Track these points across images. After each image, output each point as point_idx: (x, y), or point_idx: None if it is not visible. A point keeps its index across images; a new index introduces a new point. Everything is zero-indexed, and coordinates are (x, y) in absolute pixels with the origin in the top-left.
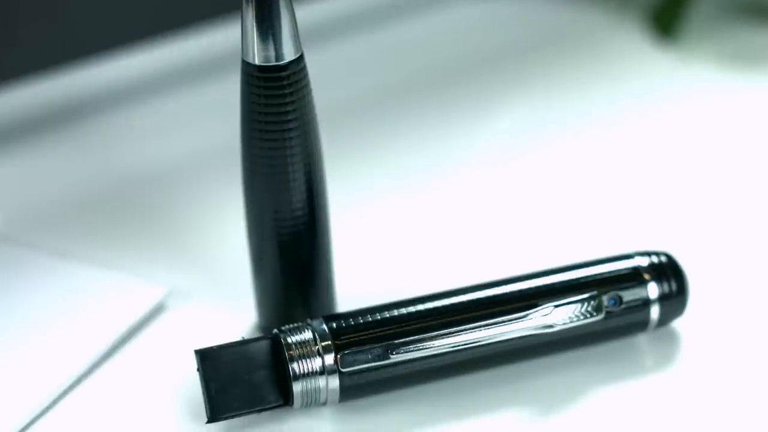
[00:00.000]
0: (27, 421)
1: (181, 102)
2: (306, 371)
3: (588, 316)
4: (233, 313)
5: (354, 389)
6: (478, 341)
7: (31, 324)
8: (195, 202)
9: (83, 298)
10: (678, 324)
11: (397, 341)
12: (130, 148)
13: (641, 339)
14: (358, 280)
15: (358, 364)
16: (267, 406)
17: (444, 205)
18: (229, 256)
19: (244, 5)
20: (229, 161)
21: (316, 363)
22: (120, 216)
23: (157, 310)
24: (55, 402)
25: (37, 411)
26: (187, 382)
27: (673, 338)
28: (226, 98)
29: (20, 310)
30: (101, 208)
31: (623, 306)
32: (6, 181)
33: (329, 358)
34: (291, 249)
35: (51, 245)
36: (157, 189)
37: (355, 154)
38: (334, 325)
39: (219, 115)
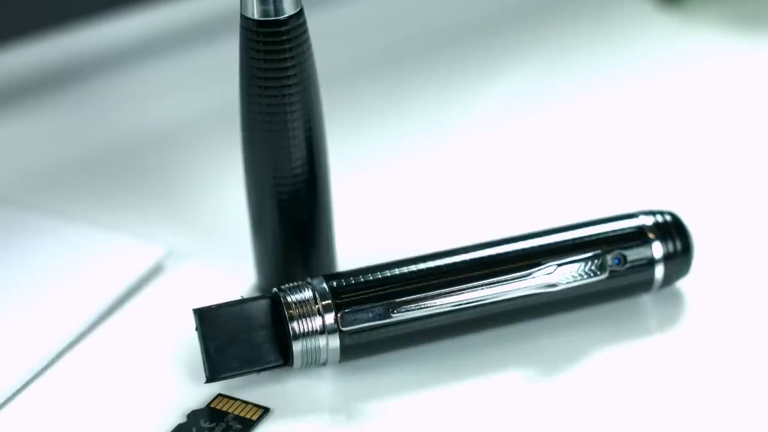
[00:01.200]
0: (26, 379)
1: (182, 63)
2: (306, 331)
3: (592, 275)
4: (232, 274)
5: (355, 349)
6: (481, 300)
7: (31, 284)
8: (195, 163)
9: (82, 259)
10: (682, 284)
11: (398, 300)
12: (130, 109)
13: (645, 299)
14: (358, 241)
15: (358, 323)
16: (266, 366)
17: (445, 166)
18: (228, 217)
19: None
20: (230, 122)
21: (317, 322)
22: (119, 177)
23: (155, 271)
24: (53, 361)
25: (36, 370)
26: (186, 343)
27: (677, 299)
28: (227, 59)
29: (20, 270)
30: (101, 169)
31: (627, 265)
32: (6, 142)
33: (329, 318)
34: (291, 208)
35: (50, 206)
36: (156, 150)
37: (355, 117)
38: (335, 283)
39: (220, 76)
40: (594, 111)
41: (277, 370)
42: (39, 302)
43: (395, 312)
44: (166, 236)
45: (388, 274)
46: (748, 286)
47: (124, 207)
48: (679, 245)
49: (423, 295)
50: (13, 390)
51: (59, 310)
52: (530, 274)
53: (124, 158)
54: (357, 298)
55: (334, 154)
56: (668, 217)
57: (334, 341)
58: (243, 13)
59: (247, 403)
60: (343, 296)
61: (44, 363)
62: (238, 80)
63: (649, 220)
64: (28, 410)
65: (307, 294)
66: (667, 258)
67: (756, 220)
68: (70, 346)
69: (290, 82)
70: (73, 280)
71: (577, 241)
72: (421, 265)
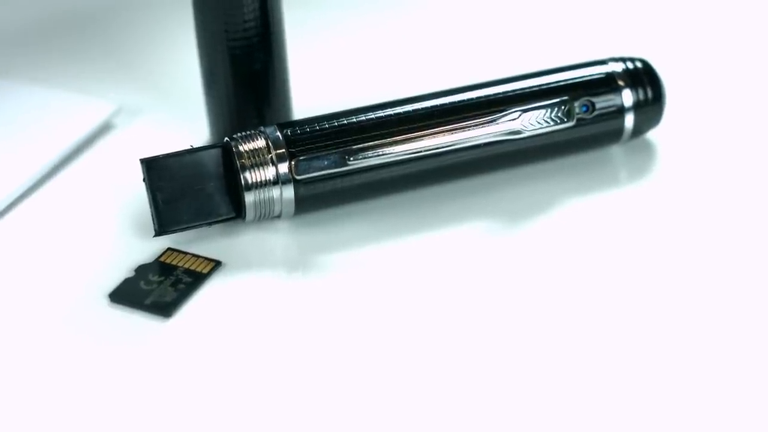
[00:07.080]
0: None
1: None
2: (259, 181)
3: (558, 122)
4: (184, 131)
5: (310, 200)
6: (441, 147)
7: None
8: (145, 22)
9: (31, 116)
10: (653, 135)
11: (355, 147)
12: None
13: (615, 150)
14: (316, 95)
15: (313, 171)
16: (218, 219)
17: (406, 17)
18: (180, 75)
19: None
20: None
21: (270, 172)
22: (70, 37)
23: (105, 128)
24: (1, 215)
25: None
26: (135, 198)
27: (647, 149)
28: None
29: None
30: (52, 30)
31: (596, 113)
32: None
33: (283, 167)
34: (243, 57)
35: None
36: (107, 10)
37: None
38: (289, 132)
39: None
40: None
41: (229, 223)
42: None
43: (351, 159)
44: (115, 95)
45: (345, 122)
46: (719, 137)
47: (74, 67)
48: (650, 93)
49: (381, 141)
50: None
51: (7, 165)
52: (494, 120)
53: (75, 19)
54: (312, 146)
55: (292, 7)
56: (639, 64)
57: (288, 192)
58: None
59: (198, 256)
60: (297, 144)
61: None
62: None
63: (619, 67)
64: None
65: (260, 143)
66: (637, 106)
67: (729, 69)
68: (19, 200)
69: None
70: (22, 136)
71: (544, 88)
72: (380, 113)
